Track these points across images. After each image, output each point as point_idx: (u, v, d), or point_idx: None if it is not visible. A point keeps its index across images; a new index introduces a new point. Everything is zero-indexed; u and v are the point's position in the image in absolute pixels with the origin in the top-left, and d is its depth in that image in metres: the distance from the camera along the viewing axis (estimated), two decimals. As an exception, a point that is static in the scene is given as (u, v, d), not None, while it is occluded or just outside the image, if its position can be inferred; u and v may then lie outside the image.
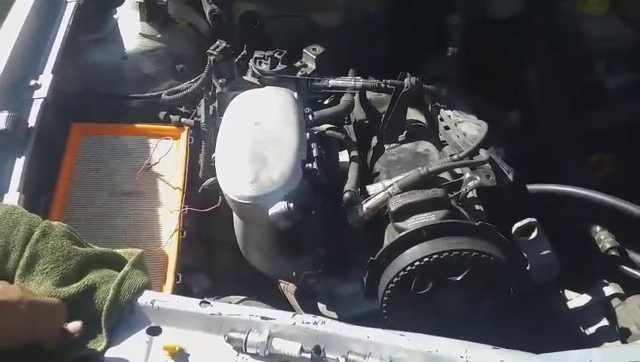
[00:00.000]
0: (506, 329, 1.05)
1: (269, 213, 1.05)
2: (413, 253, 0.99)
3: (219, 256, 1.43)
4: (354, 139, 1.37)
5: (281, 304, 1.29)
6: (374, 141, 1.39)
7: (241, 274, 1.34)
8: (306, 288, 1.21)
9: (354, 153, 1.29)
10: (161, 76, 1.62)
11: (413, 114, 1.42)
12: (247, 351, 0.85)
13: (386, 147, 1.35)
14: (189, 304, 0.90)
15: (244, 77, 1.39)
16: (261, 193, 1.06)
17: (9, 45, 1.30)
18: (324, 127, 1.34)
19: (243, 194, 1.07)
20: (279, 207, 1.05)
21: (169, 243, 1.26)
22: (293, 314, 0.89)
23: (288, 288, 1.33)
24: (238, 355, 0.86)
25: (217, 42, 1.34)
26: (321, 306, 1.23)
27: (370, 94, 1.46)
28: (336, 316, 1.19)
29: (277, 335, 0.86)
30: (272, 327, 0.87)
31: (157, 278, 1.20)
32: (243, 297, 1.16)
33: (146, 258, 1.04)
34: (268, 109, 1.21)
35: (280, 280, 1.34)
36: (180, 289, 1.21)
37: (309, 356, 0.84)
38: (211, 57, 1.33)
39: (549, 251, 1.07)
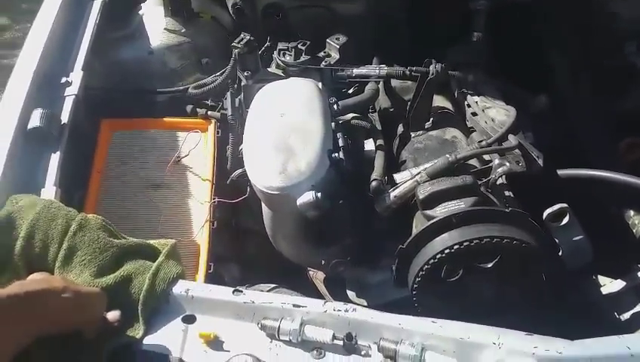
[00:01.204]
0: (539, 315, 1.04)
1: (298, 203, 1.06)
2: (443, 241, 0.99)
3: (249, 244, 1.45)
4: (379, 127, 1.37)
5: (310, 291, 1.30)
6: (400, 129, 1.39)
7: (271, 263, 1.36)
8: (335, 276, 1.22)
9: (380, 141, 1.29)
10: (187, 70, 1.64)
11: (439, 101, 1.41)
12: (280, 338, 0.87)
13: (413, 135, 1.34)
14: (223, 293, 0.92)
15: (268, 69, 1.40)
16: (289, 183, 1.07)
17: (40, 44, 1.33)
18: (350, 116, 1.35)
19: (271, 185, 1.08)
20: (307, 196, 1.06)
21: (200, 233, 1.28)
22: (325, 302, 0.90)
23: (317, 276, 1.34)
24: (271, 342, 0.87)
25: (241, 35, 1.35)
26: (351, 294, 1.24)
27: (394, 82, 1.45)
28: (365, 303, 1.20)
29: (309, 323, 0.87)
30: (303, 315, 0.88)
31: (190, 268, 1.23)
32: (274, 285, 1.18)
33: (179, 248, 1.06)
34: (293, 100, 1.22)
35: (309, 268, 1.36)
36: (212, 278, 1.23)
37: (341, 343, 0.86)
38: (236, 50, 1.34)
39: (581, 236, 1.05)
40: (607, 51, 1.57)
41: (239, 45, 1.33)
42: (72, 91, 1.28)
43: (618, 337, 0.83)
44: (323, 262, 1.19)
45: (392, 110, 1.43)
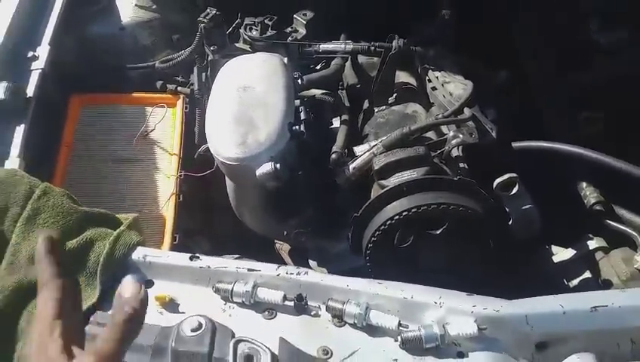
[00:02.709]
0: (489, 282, 1.08)
1: (257, 174, 1.09)
2: (393, 208, 1.02)
3: (218, 219, 1.48)
4: (347, 103, 1.39)
5: (278, 263, 1.33)
6: (366, 104, 1.41)
7: (241, 237, 1.38)
8: (298, 246, 1.26)
9: (345, 117, 1.32)
10: (158, 46, 1.65)
11: (403, 76, 1.43)
12: (234, 300, 0.90)
13: (376, 110, 1.37)
14: (180, 258, 0.95)
15: (235, 44, 1.42)
16: (248, 154, 1.10)
17: (7, 18, 1.34)
18: (316, 91, 1.37)
19: (230, 155, 1.11)
20: (266, 167, 1.09)
21: (166, 207, 1.31)
22: (278, 266, 0.94)
23: (284, 248, 1.38)
24: (225, 304, 0.91)
25: (208, 10, 1.36)
26: (312, 263, 1.27)
27: (362, 58, 1.47)
28: (326, 272, 1.23)
29: (262, 285, 0.91)
30: (257, 278, 0.92)
31: (155, 240, 1.26)
32: (237, 256, 1.21)
33: (145, 221, 1.08)
34: (256, 74, 1.24)
35: (276, 241, 1.39)
36: (178, 250, 1.25)
37: (291, 303, 0.89)
38: (202, 25, 1.35)
39: (530, 205, 1.08)
40: (573, 27, 1.59)
41: (205, 20, 1.35)
42: (38, 65, 1.30)
43: (553, 296, 0.87)
44: (285, 232, 1.22)
45: (358, 86, 1.45)
